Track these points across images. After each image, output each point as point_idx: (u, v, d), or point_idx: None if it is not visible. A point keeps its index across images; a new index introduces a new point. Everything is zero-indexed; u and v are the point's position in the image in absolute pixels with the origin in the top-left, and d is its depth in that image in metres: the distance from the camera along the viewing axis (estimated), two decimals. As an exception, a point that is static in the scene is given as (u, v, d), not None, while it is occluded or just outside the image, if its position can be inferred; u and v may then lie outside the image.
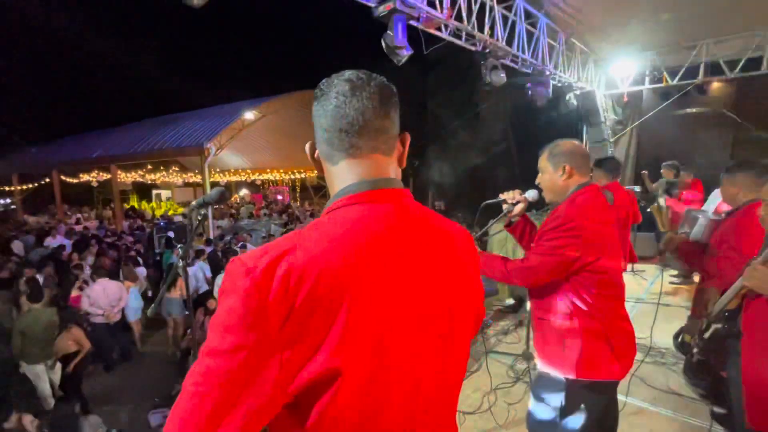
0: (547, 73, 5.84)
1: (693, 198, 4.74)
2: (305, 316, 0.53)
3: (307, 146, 0.73)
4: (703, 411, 2.63)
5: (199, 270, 6.87)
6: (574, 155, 1.66)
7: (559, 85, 6.68)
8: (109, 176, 15.36)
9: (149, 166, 17.05)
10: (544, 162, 1.72)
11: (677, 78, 6.83)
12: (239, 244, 9.34)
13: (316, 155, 0.72)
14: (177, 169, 17.89)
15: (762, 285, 1.47)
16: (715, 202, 3.30)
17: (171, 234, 9.62)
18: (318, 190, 23.63)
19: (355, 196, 0.64)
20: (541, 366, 1.69)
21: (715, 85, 7.63)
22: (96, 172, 17.34)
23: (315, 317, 0.53)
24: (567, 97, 6.68)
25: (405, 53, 3.57)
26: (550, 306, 1.62)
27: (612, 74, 7.37)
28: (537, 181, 1.78)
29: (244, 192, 25.97)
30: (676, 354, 3.23)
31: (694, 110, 8.61)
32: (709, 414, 2.44)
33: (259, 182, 23.33)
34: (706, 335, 1.95)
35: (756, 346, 1.58)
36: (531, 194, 1.87)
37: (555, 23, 6.00)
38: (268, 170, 21.82)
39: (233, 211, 18.44)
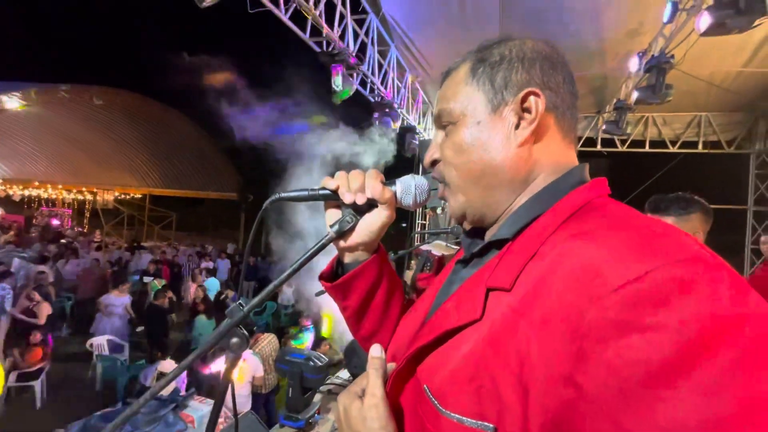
0: (395, 105, 5.51)
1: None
2: None
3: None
4: None
5: None
6: None
7: (405, 125, 6.53)
8: None
9: None
10: None
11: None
12: None
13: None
14: None
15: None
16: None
17: None
18: (113, 216, 18.27)
19: None
20: None
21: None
22: None
23: None
24: (409, 140, 6.55)
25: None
26: None
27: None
28: None
29: (-8, 210, 18.52)
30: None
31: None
32: None
33: (17, 198, 16.69)
34: None
35: None
36: (415, 183, 0.68)
37: (404, 61, 5.86)
38: (38, 183, 15.98)
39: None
